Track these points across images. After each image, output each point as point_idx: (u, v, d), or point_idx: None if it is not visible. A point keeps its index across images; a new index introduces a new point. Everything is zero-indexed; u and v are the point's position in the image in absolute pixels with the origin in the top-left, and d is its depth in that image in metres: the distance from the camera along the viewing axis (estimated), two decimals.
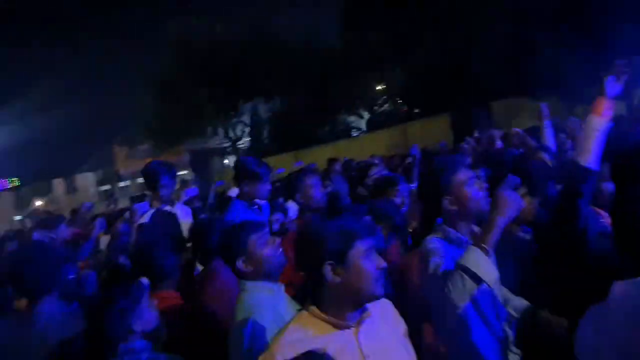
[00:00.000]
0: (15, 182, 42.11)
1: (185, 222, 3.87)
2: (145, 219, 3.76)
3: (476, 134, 6.91)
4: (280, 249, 2.32)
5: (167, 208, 3.83)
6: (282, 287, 2.30)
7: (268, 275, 2.24)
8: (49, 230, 5.61)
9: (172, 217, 3.75)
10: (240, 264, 2.23)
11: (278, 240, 2.35)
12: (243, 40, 22.61)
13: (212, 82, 22.13)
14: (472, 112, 14.58)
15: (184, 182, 11.28)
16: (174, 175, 4.01)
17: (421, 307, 2.27)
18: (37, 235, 6.12)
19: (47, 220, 5.77)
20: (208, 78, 22.13)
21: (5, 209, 35.76)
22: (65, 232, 5.34)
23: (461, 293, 1.80)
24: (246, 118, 26.38)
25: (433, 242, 2.12)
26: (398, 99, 24.21)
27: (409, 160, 7.01)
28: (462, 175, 2.16)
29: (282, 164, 12.17)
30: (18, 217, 21.03)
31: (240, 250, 2.24)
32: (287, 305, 2.22)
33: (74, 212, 8.60)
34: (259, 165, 3.66)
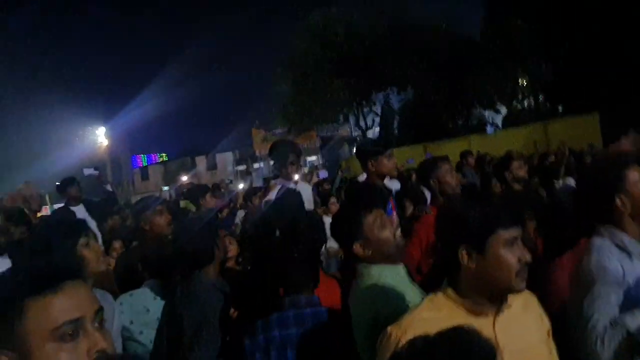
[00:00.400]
0: (164, 157, 46.50)
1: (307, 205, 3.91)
2: (272, 195, 3.89)
3: (632, 134, 6.22)
4: (399, 229, 2.24)
5: (292, 186, 3.91)
6: (405, 269, 2.21)
7: (387, 257, 2.15)
8: (193, 199, 6.15)
9: (297, 195, 3.84)
10: (357, 247, 2.13)
11: (396, 220, 2.23)
12: (379, 29, 22.61)
13: (347, 70, 22.47)
14: (625, 110, 13.16)
15: (314, 167, 11.63)
16: (299, 155, 4.10)
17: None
18: (182, 204, 6.74)
19: (194, 189, 6.31)
20: (344, 66, 22.50)
21: (154, 181, 39.79)
22: (210, 202, 5.80)
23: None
24: (377, 108, 26.45)
25: (601, 243, 1.91)
26: (541, 94, 22.63)
27: (551, 159, 6.56)
28: (637, 172, 1.92)
29: (411, 156, 11.98)
30: (165, 188, 23.28)
31: (357, 233, 2.14)
32: (411, 288, 2.15)
33: (216, 186, 9.33)
34: (377, 142, 3.70)
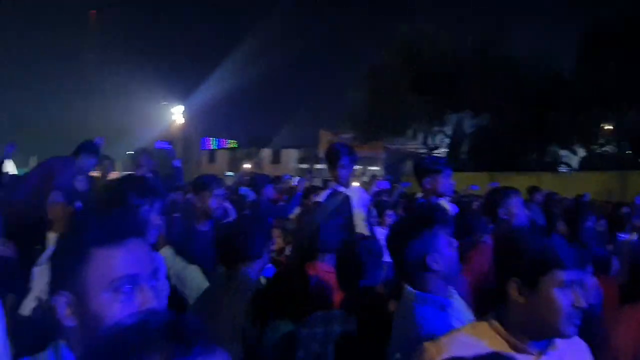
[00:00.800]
0: (233, 143, 47.67)
1: (358, 210, 3.88)
2: (321, 197, 3.90)
3: None
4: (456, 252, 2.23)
5: (342, 189, 3.88)
6: (456, 293, 2.15)
7: (447, 277, 2.08)
8: (254, 187, 6.30)
9: (345, 198, 3.82)
10: (430, 260, 2.04)
11: (455, 242, 2.17)
12: (465, 50, 22.24)
13: (424, 86, 22.24)
14: None
15: (374, 177, 11.58)
16: (354, 159, 4.04)
17: None
18: (243, 190, 6.91)
19: (256, 177, 6.47)
20: (422, 82, 22.28)
21: (220, 165, 40.91)
22: (270, 192, 5.94)
23: None
24: (448, 129, 25.98)
25: None
26: (624, 142, 21.46)
27: (625, 210, 6.23)
28: None
29: (476, 183, 11.70)
30: (229, 174, 23.94)
31: (430, 246, 2.09)
32: (463, 312, 2.12)
33: (277, 178, 9.50)
34: (437, 161, 3.69)
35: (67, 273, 1.12)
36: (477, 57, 21.97)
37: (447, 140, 26.32)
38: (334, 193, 3.79)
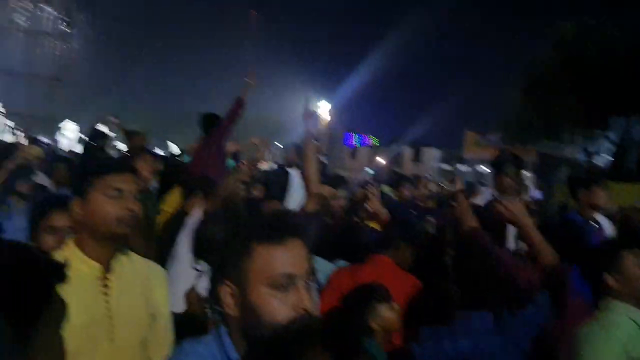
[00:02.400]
0: (375, 140, 47.99)
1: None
2: (478, 200, 3.76)
3: None
4: None
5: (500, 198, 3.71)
6: None
7: (635, 297, 2.11)
8: (395, 186, 6.29)
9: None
10: (610, 279, 2.14)
11: None
12: (636, 48, 19.81)
13: (586, 86, 20.27)
14: None
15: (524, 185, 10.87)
16: (518, 169, 3.88)
17: None
18: (384, 189, 6.93)
19: (396, 177, 6.45)
20: (583, 81, 20.34)
21: (361, 162, 41.51)
22: (408, 193, 5.90)
23: None
24: (613, 135, 23.40)
25: None
26: None
27: None
28: None
29: None
30: (370, 171, 24.21)
31: (612, 266, 2.14)
32: None
33: (416, 178, 9.36)
34: (594, 170, 3.37)
35: (231, 265, 1.21)
36: None
37: (611, 147, 23.74)
38: (493, 201, 3.65)
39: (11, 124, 24.98)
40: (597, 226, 3.72)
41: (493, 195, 3.86)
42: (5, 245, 0.72)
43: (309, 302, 1.16)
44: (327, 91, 40.23)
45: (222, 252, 1.26)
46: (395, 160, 39.31)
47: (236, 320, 1.21)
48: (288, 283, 1.16)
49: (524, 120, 21.95)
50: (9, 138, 18.26)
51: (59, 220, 2.17)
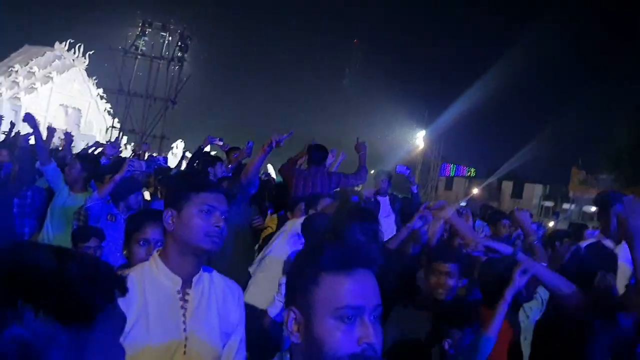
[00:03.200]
0: (472, 172, 46.46)
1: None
2: (582, 245, 3.48)
3: None
4: None
5: (607, 243, 3.38)
6: None
7: None
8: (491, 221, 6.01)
9: (612, 257, 3.29)
10: None
11: None
12: None
13: None
14: None
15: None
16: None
17: None
18: (477, 223, 6.64)
19: (492, 212, 6.15)
20: None
21: (456, 193, 40.27)
22: (503, 230, 5.61)
23: None
24: None
25: None
26: None
27: None
28: None
29: None
30: (463, 203, 23.39)
31: None
32: None
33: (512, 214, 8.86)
34: None
35: (298, 292, 1.20)
36: None
37: None
38: (597, 245, 3.31)
39: (127, 140, 27.20)
40: None
41: (597, 238, 3.56)
42: (74, 253, 0.76)
43: (374, 337, 1.12)
44: (425, 121, 39.77)
45: (291, 278, 1.26)
46: (493, 193, 37.71)
47: (300, 348, 1.18)
48: (354, 315, 1.13)
49: (637, 158, 20.20)
50: (123, 153, 19.86)
51: (152, 233, 2.32)
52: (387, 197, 6.35)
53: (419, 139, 39.18)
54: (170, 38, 28.82)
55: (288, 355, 1.23)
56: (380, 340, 1.13)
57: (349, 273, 1.15)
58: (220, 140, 6.71)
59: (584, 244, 3.51)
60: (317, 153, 5.40)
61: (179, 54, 28.50)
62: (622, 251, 3.28)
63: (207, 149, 6.90)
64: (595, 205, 3.68)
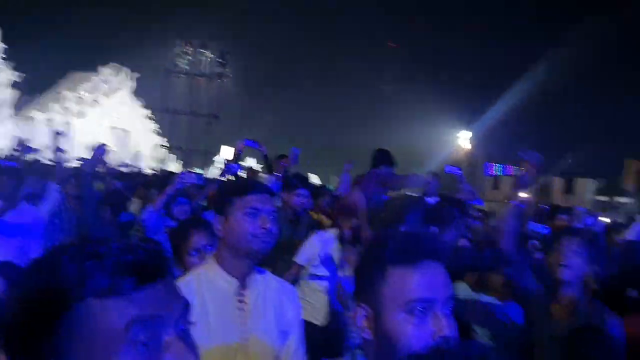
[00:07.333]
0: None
1: None
2: (633, 235, 3.33)
3: None
4: None
5: None
6: None
7: None
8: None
9: None
10: None
11: None
12: None
13: None
14: None
15: None
16: None
17: None
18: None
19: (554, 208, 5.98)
20: None
21: (504, 192, 39.24)
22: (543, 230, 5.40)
23: None
24: None
25: None
26: None
27: None
28: None
29: None
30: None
31: None
32: None
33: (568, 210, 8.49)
34: None
35: (367, 287, 1.16)
36: None
37: None
38: None
39: (174, 157, 27.93)
40: None
41: None
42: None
43: (448, 329, 1.07)
44: (469, 121, 39.12)
45: (358, 274, 1.23)
46: (543, 191, 36.58)
47: (371, 344, 1.16)
48: (425, 308, 1.08)
49: None
50: (172, 168, 20.42)
51: (199, 241, 2.36)
52: (437, 197, 6.21)
53: (463, 140, 38.50)
54: (211, 55, 29.50)
55: (359, 353, 1.19)
56: (455, 334, 1.08)
57: (415, 265, 1.11)
58: (254, 143, 6.36)
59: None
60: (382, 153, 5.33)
61: (219, 70, 29.11)
62: None
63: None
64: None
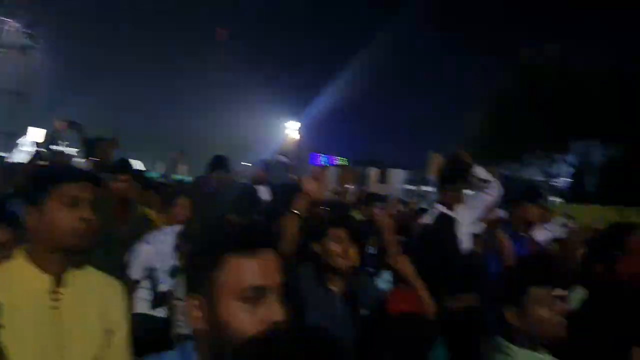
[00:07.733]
0: (343, 161, 48.15)
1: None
2: (428, 219, 3.82)
3: None
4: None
5: (448, 212, 3.72)
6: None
7: (533, 339, 1.80)
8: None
9: (450, 221, 3.67)
10: (510, 316, 1.81)
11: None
12: (597, 74, 20.66)
13: (547, 110, 20.98)
14: None
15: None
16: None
17: None
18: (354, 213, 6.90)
19: (365, 196, 6.45)
20: (544, 106, 21.05)
21: (329, 181, 41.55)
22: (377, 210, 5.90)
23: None
24: (572, 158, 24.21)
25: None
26: None
27: None
28: None
29: (603, 217, 10.73)
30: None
31: (515, 301, 1.82)
32: None
33: (382, 198, 9.37)
34: (529, 188, 3.63)
35: (199, 277, 1.15)
36: (611, 79, 20.31)
37: (569, 170, 24.52)
38: (440, 215, 3.69)
39: None
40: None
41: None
42: None
43: (279, 314, 1.10)
44: (297, 111, 40.49)
45: (190, 264, 1.20)
46: (361, 180, 39.53)
47: (204, 334, 1.14)
48: (258, 295, 1.11)
49: (485, 141, 22.50)
50: None
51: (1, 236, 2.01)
52: (267, 186, 6.33)
53: (291, 130, 39.73)
54: (16, 24, 25.94)
55: (190, 344, 1.17)
56: (286, 319, 1.12)
57: (250, 253, 1.13)
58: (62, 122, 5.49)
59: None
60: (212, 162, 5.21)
61: (26, 42, 25.78)
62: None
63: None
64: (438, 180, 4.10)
